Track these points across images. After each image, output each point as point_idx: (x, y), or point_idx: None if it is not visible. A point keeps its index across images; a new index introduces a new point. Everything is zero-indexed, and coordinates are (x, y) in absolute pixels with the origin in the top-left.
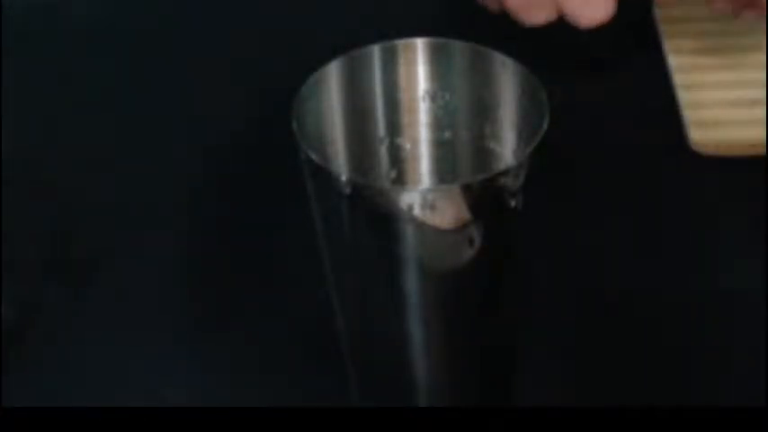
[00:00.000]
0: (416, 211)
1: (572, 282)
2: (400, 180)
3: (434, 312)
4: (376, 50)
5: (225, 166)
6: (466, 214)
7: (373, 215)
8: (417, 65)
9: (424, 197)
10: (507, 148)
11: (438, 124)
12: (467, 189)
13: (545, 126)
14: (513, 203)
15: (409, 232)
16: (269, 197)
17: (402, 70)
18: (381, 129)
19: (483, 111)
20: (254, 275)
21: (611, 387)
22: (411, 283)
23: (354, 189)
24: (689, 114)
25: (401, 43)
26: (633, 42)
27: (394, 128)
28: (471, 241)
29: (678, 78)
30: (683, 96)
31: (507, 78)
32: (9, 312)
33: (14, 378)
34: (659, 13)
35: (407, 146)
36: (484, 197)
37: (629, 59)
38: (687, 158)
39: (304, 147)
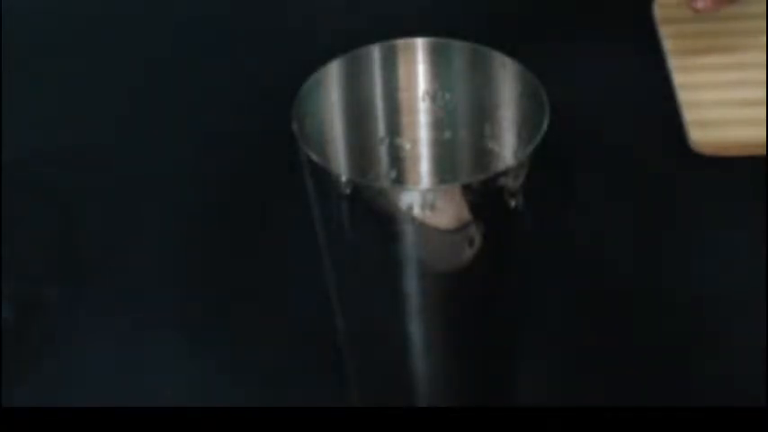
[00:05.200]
0: (416, 211)
1: (572, 282)
2: (400, 180)
3: (434, 312)
4: (376, 50)
5: (225, 166)
6: (466, 214)
7: (373, 215)
8: (417, 65)
9: (424, 197)
10: (507, 148)
11: (438, 124)
12: (467, 189)
13: (545, 126)
14: (513, 203)
15: (409, 232)
16: (269, 197)
17: (402, 70)
18: (381, 129)
19: (483, 111)
20: (254, 275)
21: (612, 387)
22: (411, 283)
23: (354, 189)
24: (689, 114)
25: (401, 43)
26: (633, 42)
27: (394, 128)
28: (471, 241)
29: (678, 78)
30: (683, 96)
31: (507, 78)
32: (9, 312)
33: (14, 378)
34: (659, 13)
35: (407, 146)
36: (484, 197)
37: (629, 60)
38: (687, 158)
39: (304, 147)
